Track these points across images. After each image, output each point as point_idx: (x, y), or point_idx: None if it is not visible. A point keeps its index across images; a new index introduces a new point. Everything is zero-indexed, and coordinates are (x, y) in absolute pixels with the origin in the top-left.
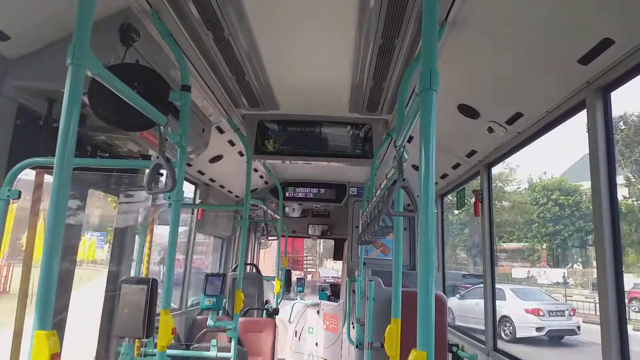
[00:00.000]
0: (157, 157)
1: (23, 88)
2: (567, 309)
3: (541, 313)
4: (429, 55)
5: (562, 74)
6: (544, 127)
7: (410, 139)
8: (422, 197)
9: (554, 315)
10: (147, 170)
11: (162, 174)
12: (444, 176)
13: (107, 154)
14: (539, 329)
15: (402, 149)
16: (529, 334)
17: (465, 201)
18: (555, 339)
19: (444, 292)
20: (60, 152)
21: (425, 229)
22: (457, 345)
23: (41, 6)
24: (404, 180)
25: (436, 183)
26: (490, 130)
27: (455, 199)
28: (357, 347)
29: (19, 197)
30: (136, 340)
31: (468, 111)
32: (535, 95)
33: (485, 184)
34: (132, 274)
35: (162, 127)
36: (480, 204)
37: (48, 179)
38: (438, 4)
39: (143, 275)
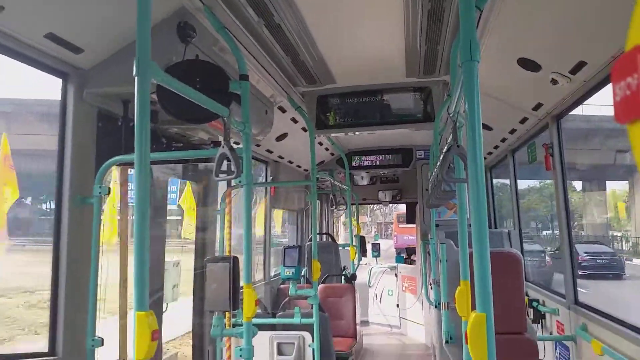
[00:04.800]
0: (223, 146)
1: (100, 93)
2: None
3: None
4: (468, 26)
5: (623, 16)
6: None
7: None
8: (470, 167)
9: None
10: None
11: (230, 160)
12: (512, 131)
13: (181, 144)
14: None
15: (456, 115)
16: None
17: (537, 155)
18: None
19: (521, 250)
20: (138, 150)
21: (476, 196)
22: (537, 301)
23: (107, 18)
24: (458, 147)
25: (505, 139)
26: (554, 81)
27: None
28: (436, 307)
29: (109, 192)
30: (226, 312)
31: (529, 64)
32: (598, 42)
33: (555, 136)
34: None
35: (225, 117)
36: (551, 157)
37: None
38: None
39: (226, 254)
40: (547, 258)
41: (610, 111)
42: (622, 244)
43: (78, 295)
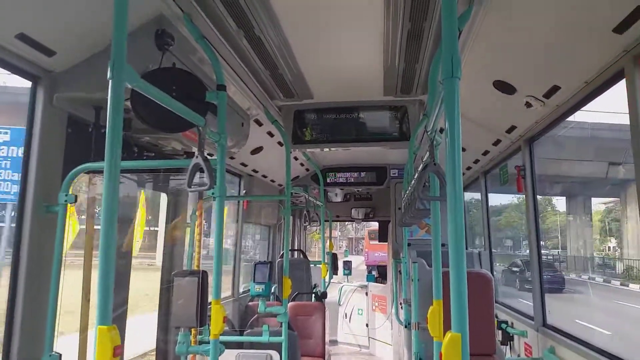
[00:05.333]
0: (197, 156)
1: (71, 98)
2: None
3: None
4: (449, 43)
5: (597, 44)
6: (584, 99)
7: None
8: (449, 183)
9: None
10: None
11: (203, 171)
12: (485, 153)
13: (153, 154)
14: None
15: (433, 134)
16: None
17: (508, 177)
18: None
19: (491, 271)
20: (108, 158)
21: (454, 216)
22: (506, 322)
23: (82, 21)
24: (435, 165)
25: (478, 160)
26: (528, 105)
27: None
28: (405, 327)
29: (76, 201)
30: (192, 329)
31: (504, 87)
32: (571, 67)
33: (527, 159)
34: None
35: (200, 127)
36: (523, 179)
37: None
38: None
39: (195, 268)
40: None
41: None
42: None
43: (37, 308)
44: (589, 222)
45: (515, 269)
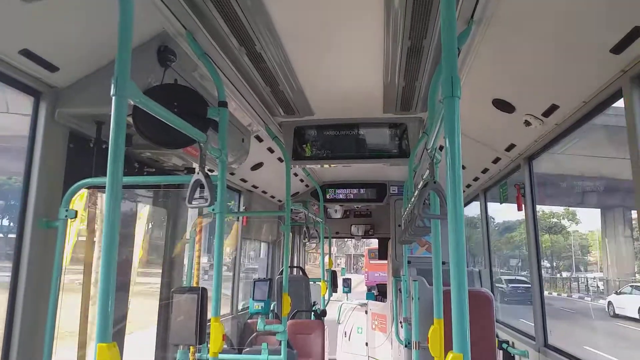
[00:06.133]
0: (198, 172)
1: (73, 114)
2: None
3: None
4: (449, 63)
5: (595, 64)
6: (583, 118)
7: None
8: (450, 201)
9: None
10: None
11: (204, 187)
12: (485, 171)
13: (154, 169)
14: None
15: (433, 152)
16: None
17: (508, 195)
18: None
19: (491, 289)
20: (111, 173)
21: (455, 234)
22: (507, 342)
23: (85, 37)
24: (435, 183)
25: (477, 178)
26: (527, 123)
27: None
28: (405, 346)
29: (76, 216)
30: (191, 346)
31: (503, 105)
32: (570, 86)
33: (527, 177)
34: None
35: (202, 143)
36: (522, 197)
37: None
38: (459, 9)
39: (194, 284)
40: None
41: None
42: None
43: (35, 324)
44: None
45: (499, 285)
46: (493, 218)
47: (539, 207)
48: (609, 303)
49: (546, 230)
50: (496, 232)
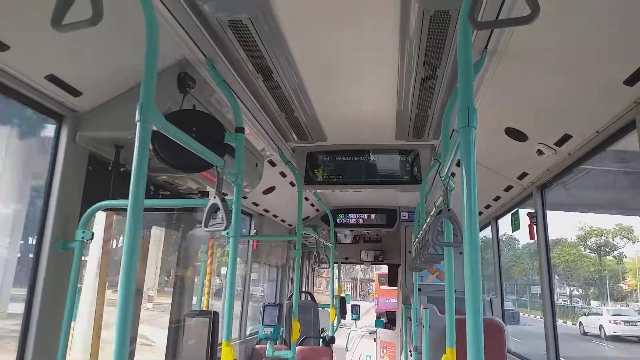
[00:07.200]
0: (215, 197)
1: (93, 137)
2: None
3: None
4: (466, 93)
5: (608, 94)
6: (595, 148)
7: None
8: (465, 230)
9: None
10: (205, 208)
11: (219, 210)
12: (497, 199)
13: (168, 192)
14: None
15: (447, 179)
16: None
17: (520, 224)
18: None
19: (502, 318)
20: (133, 197)
21: (470, 263)
22: None
23: (108, 63)
24: (449, 210)
25: (489, 206)
26: (540, 152)
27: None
28: None
29: (92, 238)
30: None
31: (516, 134)
32: (583, 117)
33: (539, 205)
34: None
35: (219, 168)
36: (535, 226)
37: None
38: (473, 40)
39: (204, 308)
40: None
41: None
42: None
43: (48, 344)
44: None
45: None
46: (517, 240)
47: (577, 219)
48: None
49: (594, 250)
50: (524, 255)
